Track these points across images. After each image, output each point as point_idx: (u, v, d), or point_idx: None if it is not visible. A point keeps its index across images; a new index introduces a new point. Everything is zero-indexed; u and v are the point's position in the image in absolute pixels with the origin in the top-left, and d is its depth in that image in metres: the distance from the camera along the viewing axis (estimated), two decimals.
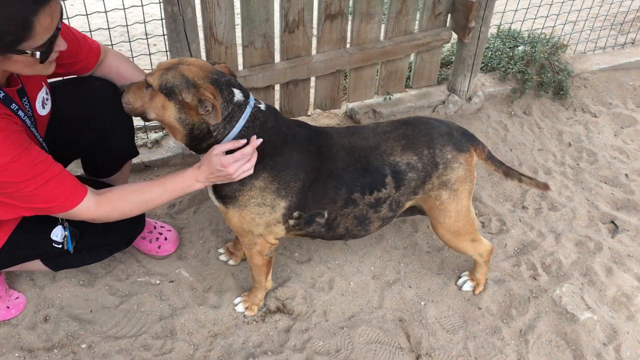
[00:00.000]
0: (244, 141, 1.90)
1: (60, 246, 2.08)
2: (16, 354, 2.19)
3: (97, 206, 1.88)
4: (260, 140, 1.93)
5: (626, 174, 3.17)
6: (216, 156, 1.88)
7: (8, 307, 2.30)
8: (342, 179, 2.07)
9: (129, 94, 1.95)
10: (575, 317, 2.40)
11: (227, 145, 1.89)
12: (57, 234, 2.06)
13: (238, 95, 1.92)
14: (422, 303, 2.47)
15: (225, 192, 2.02)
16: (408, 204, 2.24)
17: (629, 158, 3.28)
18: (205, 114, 1.83)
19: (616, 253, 2.72)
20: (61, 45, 1.69)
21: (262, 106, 2.00)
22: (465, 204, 2.23)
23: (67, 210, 1.85)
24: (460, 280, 2.54)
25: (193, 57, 2.61)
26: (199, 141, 1.94)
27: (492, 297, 2.50)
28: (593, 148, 3.33)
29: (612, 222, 2.87)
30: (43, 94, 1.95)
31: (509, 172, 2.34)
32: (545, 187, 2.40)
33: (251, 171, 1.93)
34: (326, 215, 2.11)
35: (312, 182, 2.04)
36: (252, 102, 1.96)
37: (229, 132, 1.91)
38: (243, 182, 1.97)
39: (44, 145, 1.96)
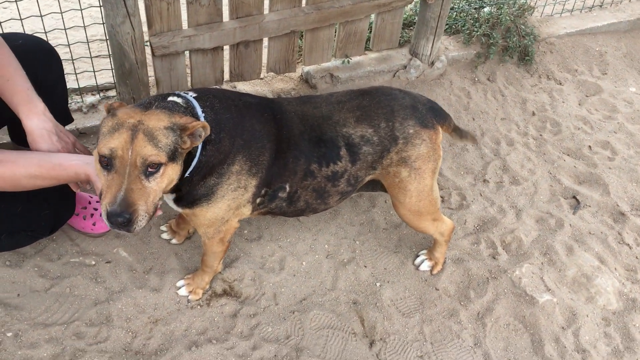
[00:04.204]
0: None
1: None
2: None
3: None
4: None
5: (589, 146, 3.07)
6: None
7: None
8: (300, 148, 1.97)
9: (132, 198, 1.61)
10: (535, 300, 2.32)
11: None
12: None
13: (179, 100, 1.79)
14: (378, 284, 2.35)
15: (201, 193, 1.86)
16: (368, 179, 2.12)
17: (592, 129, 3.18)
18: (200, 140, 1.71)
19: (577, 230, 2.64)
20: None
21: (193, 94, 1.86)
22: (428, 183, 2.09)
23: None
24: (418, 260, 2.43)
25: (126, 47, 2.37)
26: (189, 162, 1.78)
27: (450, 278, 2.39)
28: (557, 118, 3.21)
29: (574, 197, 2.78)
30: None
31: (458, 131, 2.25)
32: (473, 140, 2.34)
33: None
34: (288, 188, 2.01)
35: (275, 153, 1.93)
36: (191, 98, 1.82)
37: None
38: (220, 173, 1.85)
39: None
